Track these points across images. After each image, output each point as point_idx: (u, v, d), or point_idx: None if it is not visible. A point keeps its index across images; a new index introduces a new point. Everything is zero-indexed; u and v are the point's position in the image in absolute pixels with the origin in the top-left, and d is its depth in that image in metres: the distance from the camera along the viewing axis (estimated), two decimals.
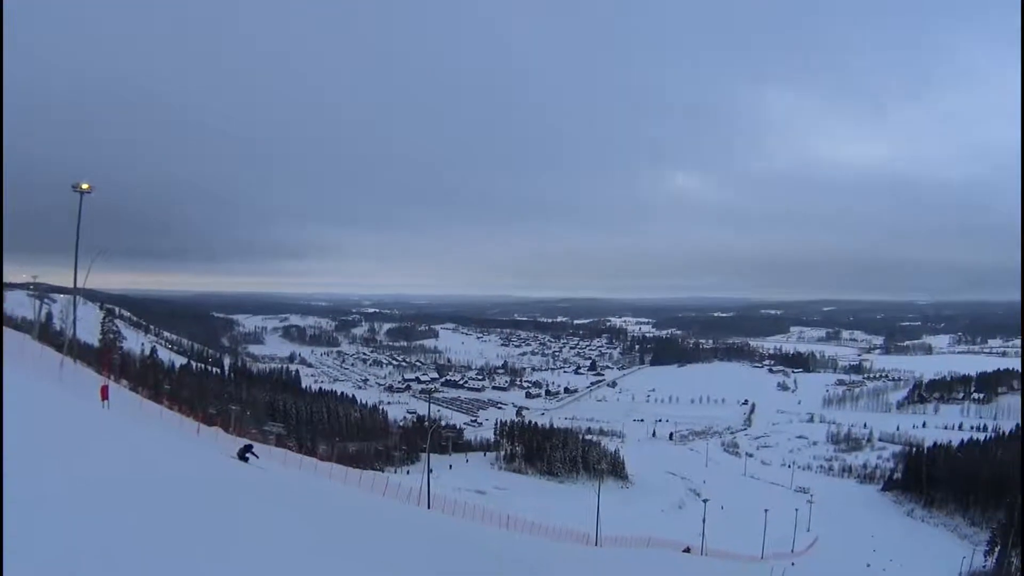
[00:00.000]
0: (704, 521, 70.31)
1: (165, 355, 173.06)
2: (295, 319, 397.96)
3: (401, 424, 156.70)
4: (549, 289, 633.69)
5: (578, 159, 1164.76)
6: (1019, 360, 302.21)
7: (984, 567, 69.33)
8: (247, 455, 25.78)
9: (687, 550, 55.02)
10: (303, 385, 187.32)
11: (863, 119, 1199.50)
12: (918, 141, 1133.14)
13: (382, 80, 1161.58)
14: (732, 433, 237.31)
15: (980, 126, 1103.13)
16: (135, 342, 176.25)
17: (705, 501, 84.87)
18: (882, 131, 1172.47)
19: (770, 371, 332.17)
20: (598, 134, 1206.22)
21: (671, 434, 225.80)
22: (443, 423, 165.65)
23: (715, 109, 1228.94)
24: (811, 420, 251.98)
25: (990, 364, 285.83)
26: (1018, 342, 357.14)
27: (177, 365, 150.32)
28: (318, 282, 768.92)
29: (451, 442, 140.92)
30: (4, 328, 31.04)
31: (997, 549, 69.34)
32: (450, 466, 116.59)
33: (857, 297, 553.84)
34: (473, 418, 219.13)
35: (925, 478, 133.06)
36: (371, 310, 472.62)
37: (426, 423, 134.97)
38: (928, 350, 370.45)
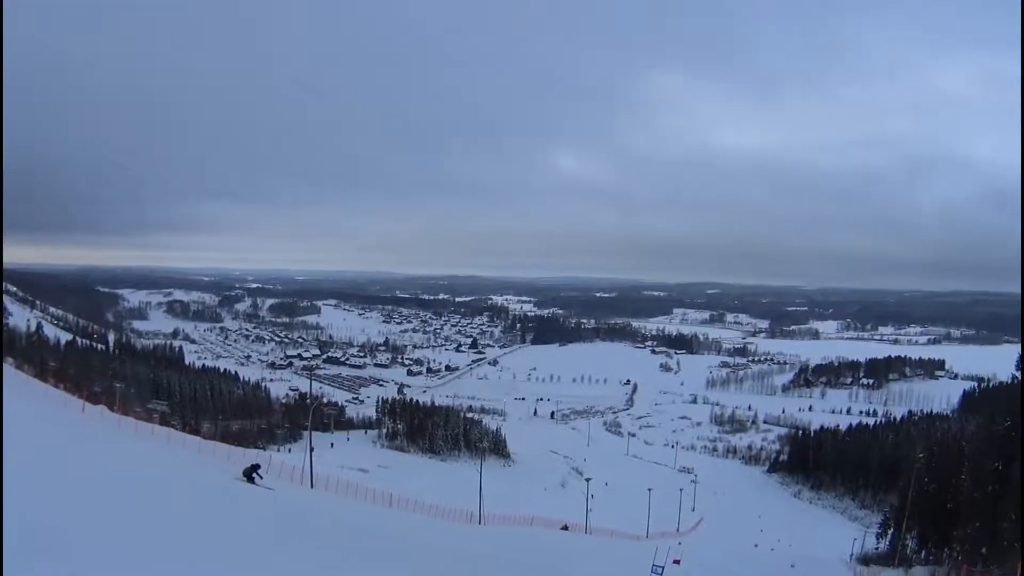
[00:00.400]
0: (588, 500, 69.36)
1: (51, 331, 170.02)
2: (179, 294, 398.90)
3: (283, 401, 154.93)
4: (432, 266, 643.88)
5: (466, 137, 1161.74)
6: (913, 348, 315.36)
7: (877, 549, 67.60)
8: (254, 475, 26.41)
9: (565, 527, 52.10)
10: (187, 362, 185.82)
11: (760, 107, 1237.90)
12: (814, 130, 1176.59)
13: (270, 51, 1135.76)
14: (614, 413, 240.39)
15: (877, 118, 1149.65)
16: (21, 318, 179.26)
17: (588, 480, 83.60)
18: (779, 119, 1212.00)
19: (653, 352, 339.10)
20: (488, 112, 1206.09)
21: (553, 413, 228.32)
22: (325, 400, 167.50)
23: (607, 91, 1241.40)
24: (695, 401, 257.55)
25: (880, 351, 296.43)
26: (911, 330, 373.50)
27: (63, 341, 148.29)
28: (203, 257, 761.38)
29: (333, 420, 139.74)
30: None
31: (890, 532, 67.17)
32: (332, 444, 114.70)
33: (742, 281, 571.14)
34: (355, 395, 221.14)
35: (812, 460, 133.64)
36: (254, 285, 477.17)
37: (308, 400, 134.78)
38: (815, 335, 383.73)
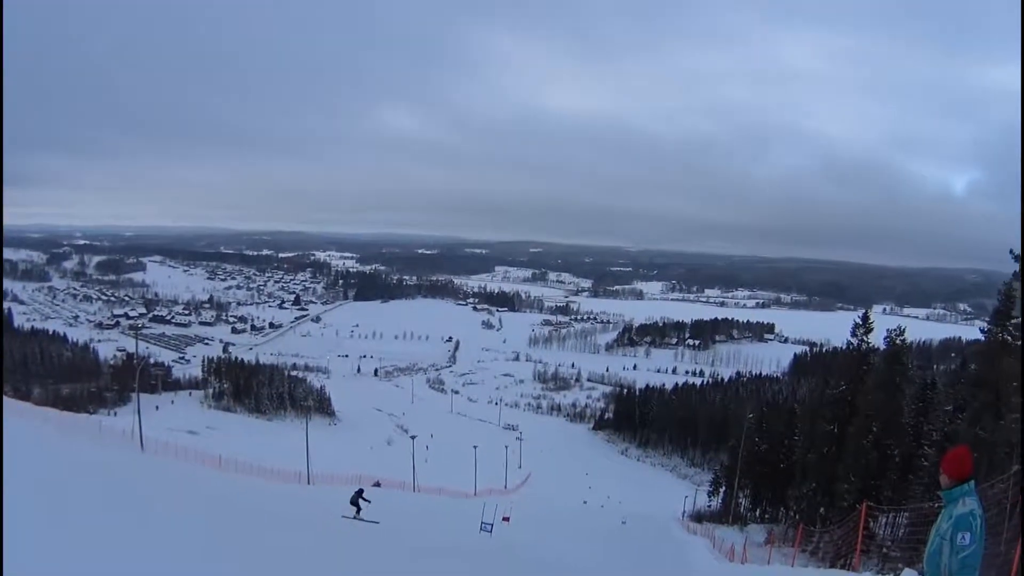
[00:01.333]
0: (413, 457, 69.31)
1: None
2: (8, 252, 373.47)
3: (111, 363, 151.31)
4: (257, 221, 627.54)
5: (293, 90, 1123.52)
6: (742, 311, 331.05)
7: (709, 507, 70.99)
8: (360, 500, 27.11)
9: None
10: (15, 324, 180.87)
11: (594, 70, 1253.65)
12: (650, 95, 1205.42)
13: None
14: (437, 370, 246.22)
15: (716, 87, 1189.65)
16: None
17: (413, 437, 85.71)
18: (614, 83, 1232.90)
19: (475, 309, 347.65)
20: (313, 65, 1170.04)
21: (376, 370, 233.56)
22: (152, 361, 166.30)
23: (437, 48, 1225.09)
24: (517, 359, 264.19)
25: (707, 313, 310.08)
26: (739, 293, 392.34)
27: None
28: (30, 212, 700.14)
29: (160, 380, 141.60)
30: None
31: (722, 490, 70.99)
32: (156, 407, 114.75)
33: (566, 241, 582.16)
34: (181, 355, 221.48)
35: (639, 419, 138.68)
36: (82, 242, 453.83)
37: (135, 362, 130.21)
38: (639, 295, 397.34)
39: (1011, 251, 22.36)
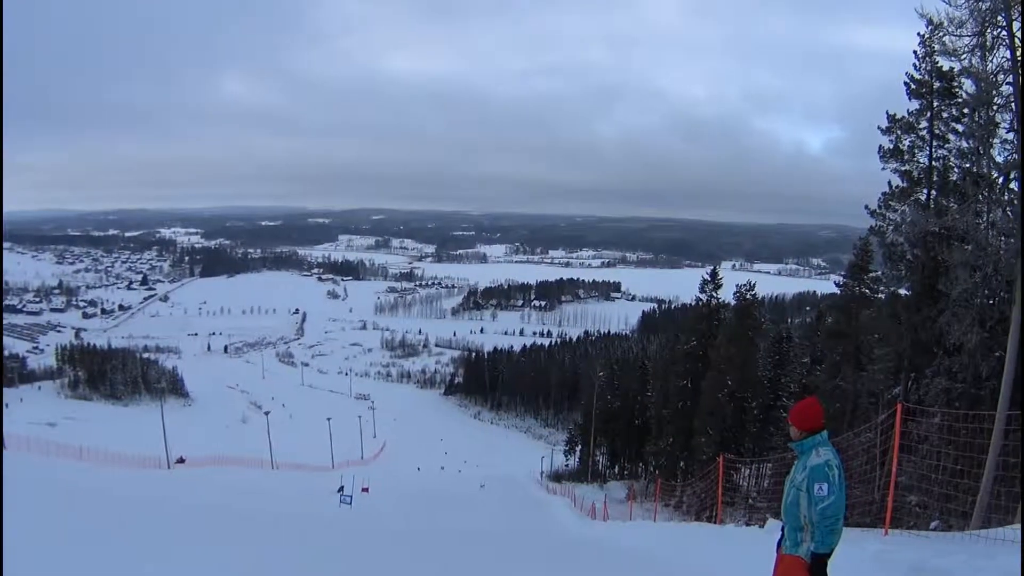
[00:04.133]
0: (269, 434, 68.20)
1: None
2: None
3: None
4: (102, 201, 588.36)
5: (125, 58, 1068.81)
6: (587, 271, 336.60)
7: (567, 466, 71.97)
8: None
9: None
10: None
11: (444, 32, 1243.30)
12: (500, 57, 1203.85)
13: None
14: (286, 343, 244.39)
15: (571, 47, 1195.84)
16: None
17: (267, 413, 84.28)
18: (463, 45, 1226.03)
19: (320, 280, 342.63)
20: (147, 29, 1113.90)
21: (226, 347, 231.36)
22: (6, 353, 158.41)
23: (280, 10, 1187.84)
24: (364, 327, 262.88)
25: (552, 273, 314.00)
26: (584, 253, 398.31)
27: None
28: None
29: (16, 374, 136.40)
30: None
31: (579, 449, 71.98)
32: (21, 399, 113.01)
33: (408, 207, 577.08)
34: (35, 344, 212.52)
35: (489, 382, 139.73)
36: None
37: None
38: (483, 259, 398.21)
39: (866, 207, 22.96)
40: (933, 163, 21.21)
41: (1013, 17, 14.25)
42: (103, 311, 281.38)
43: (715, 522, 19.87)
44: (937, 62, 19.80)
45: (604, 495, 44.68)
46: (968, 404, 17.21)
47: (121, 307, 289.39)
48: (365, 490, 36.97)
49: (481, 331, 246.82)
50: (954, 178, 20.30)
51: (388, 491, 40.19)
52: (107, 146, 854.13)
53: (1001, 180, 17.03)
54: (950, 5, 15.32)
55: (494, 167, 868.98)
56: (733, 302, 42.72)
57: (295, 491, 37.79)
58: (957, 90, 19.70)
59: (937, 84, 20.40)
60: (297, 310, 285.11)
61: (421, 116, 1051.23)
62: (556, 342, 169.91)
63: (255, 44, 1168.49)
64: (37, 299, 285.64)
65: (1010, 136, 16.29)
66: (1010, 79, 15.03)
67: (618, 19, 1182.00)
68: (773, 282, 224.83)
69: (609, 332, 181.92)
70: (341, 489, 31.45)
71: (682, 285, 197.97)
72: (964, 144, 19.43)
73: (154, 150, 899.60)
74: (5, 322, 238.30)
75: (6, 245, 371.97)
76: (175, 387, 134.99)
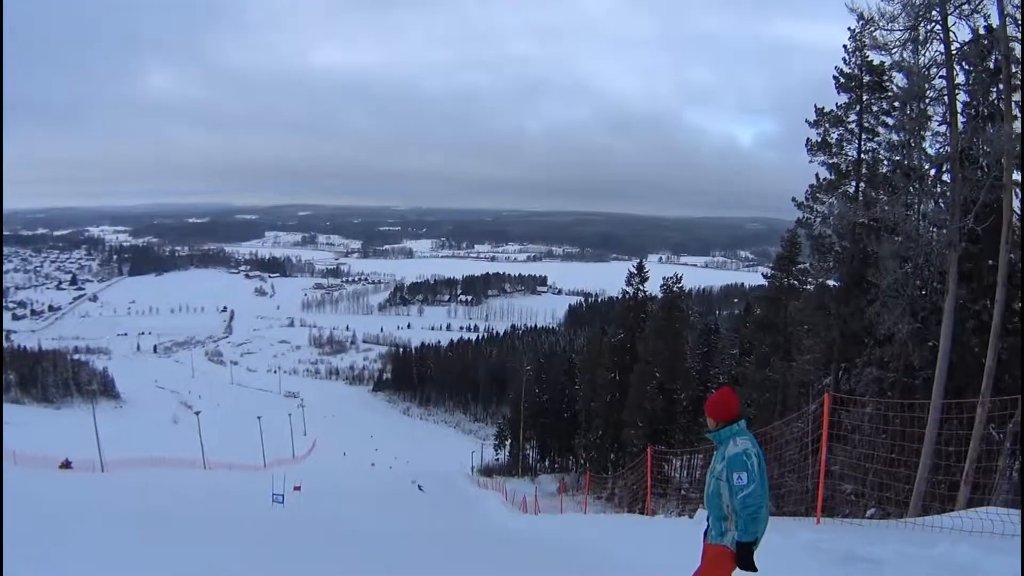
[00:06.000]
0: (200, 434, 66.69)
1: None
2: None
3: None
4: (30, 199, 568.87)
5: (50, 52, 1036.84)
6: (513, 265, 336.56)
7: (498, 460, 71.88)
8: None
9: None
10: None
11: (370, 24, 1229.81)
12: (426, 50, 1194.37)
13: None
14: (215, 342, 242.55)
15: (500, 40, 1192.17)
16: None
17: (197, 413, 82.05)
18: (389, 38, 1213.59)
19: (247, 277, 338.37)
20: (68, 21, 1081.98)
21: (155, 347, 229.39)
22: None
23: (205, 3, 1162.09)
24: (292, 324, 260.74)
25: (478, 268, 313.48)
26: (510, 248, 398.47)
27: None
28: None
29: None
30: None
31: (508, 443, 71.83)
32: None
33: (334, 202, 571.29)
34: None
35: (417, 377, 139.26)
36: None
37: None
38: (409, 254, 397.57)
39: (793, 199, 23.13)
40: (862, 156, 21.51)
41: (948, 11, 14.33)
42: (33, 312, 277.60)
43: (646, 513, 19.76)
44: (867, 56, 20.06)
45: (535, 488, 44.63)
46: (901, 393, 17.36)
47: (51, 308, 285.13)
48: (297, 488, 36.27)
49: (408, 327, 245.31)
50: (884, 170, 20.54)
51: (319, 489, 39.44)
52: (30, 141, 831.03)
53: (933, 172, 17.17)
54: (883, 0, 15.37)
55: (421, 161, 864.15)
56: (660, 295, 42.87)
57: (227, 492, 37.04)
58: (887, 84, 19.89)
59: (867, 78, 20.66)
60: (225, 308, 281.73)
61: (347, 110, 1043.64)
62: (483, 337, 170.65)
63: (177, 36, 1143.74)
64: None
65: (943, 128, 16.44)
66: (943, 72, 15.14)
67: (549, 12, 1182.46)
68: (700, 275, 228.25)
69: (536, 326, 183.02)
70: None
71: (609, 279, 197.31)
72: (894, 137, 19.65)
73: (81, 146, 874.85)
74: None
75: None
76: (106, 389, 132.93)
